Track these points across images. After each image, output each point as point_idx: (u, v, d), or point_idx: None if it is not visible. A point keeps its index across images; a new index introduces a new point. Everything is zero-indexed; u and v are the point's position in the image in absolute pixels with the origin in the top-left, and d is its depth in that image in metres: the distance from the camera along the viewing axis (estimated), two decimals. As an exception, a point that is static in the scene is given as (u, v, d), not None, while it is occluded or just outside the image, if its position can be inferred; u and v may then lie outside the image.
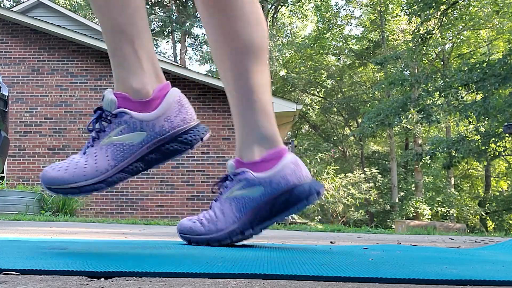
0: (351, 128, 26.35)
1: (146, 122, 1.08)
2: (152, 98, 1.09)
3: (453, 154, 14.46)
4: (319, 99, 27.68)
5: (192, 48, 30.38)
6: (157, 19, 28.89)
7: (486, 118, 13.67)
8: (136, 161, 1.09)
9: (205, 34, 1.28)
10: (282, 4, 26.11)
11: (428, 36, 15.07)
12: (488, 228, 22.06)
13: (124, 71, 1.11)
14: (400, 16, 22.18)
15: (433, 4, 14.13)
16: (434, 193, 22.35)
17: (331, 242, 2.29)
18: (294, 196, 1.20)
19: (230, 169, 1.25)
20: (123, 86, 1.10)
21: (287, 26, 28.38)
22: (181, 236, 1.28)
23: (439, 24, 15.93)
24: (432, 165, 20.77)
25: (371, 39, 25.53)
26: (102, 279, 0.66)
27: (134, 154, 1.09)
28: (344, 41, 26.56)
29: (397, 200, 21.69)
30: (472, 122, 15.97)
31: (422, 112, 14.68)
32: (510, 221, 23.01)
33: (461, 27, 20.36)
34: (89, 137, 1.12)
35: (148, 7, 28.88)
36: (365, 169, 22.59)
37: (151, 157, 1.10)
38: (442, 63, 22.62)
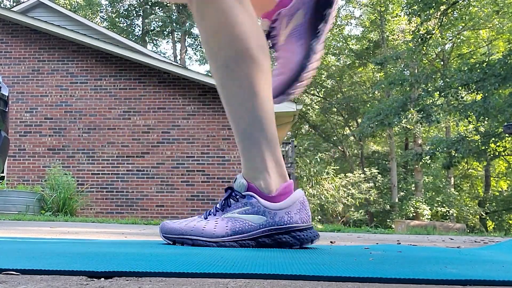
0: (351, 128, 26.36)
1: (269, 210, 1.22)
2: (276, 194, 1.23)
3: (453, 154, 14.46)
4: (319, 99, 27.68)
5: (192, 48, 30.38)
6: (157, 19, 28.89)
7: (486, 118, 13.67)
8: (249, 239, 1.22)
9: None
10: (282, 4, 26.06)
11: (428, 36, 15.08)
12: (488, 228, 22.06)
13: (252, 168, 1.24)
14: (400, 16, 22.18)
15: (433, 4, 14.13)
16: (434, 193, 22.35)
17: (331, 242, 2.29)
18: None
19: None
20: (251, 179, 1.23)
21: (287, 26, 28.33)
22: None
23: (439, 24, 15.93)
24: (432, 165, 20.77)
25: (371, 39, 25.54)
26: (102, 279, 0.66)
27: (250, 232, 1.22)
28: (344, 41, 26.57)
29: (397, 200, 21.69)
30: (472, 122, 15.97)
31: (422, 112, 14.68)
32: (510, 221, 23.02)
33: (461, 27, 20.36)
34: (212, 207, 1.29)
35: (148, 7, 28.89)
36: (365, 169, 22.59)
37: (263, 241, 1.22)
38: (442, 63, 22.62)
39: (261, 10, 1.31)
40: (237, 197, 1.23)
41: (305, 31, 1.24)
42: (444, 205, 20.87)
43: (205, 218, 1.25)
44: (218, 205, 1.26)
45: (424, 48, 16.08)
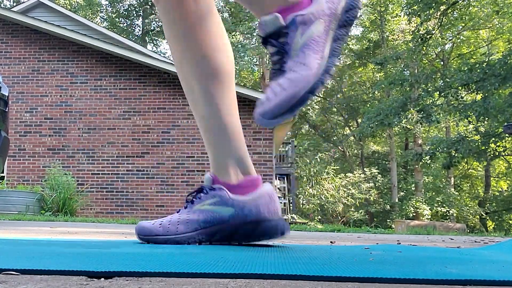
0: (351, 128, 26.36)
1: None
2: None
3: (453, 154, 14.45)
4: (319, 99, 27.68)
5: (192, 48, 30.33)
6: (157, 19, 28.89)
7: (486, 118, 13.67)
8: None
9: (171, 56, 1.35)
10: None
11: (428, 36, 15.08)
12: (488, 228, 22.06)
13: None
14: (400, 16, 22.18)
15: (433, 4, 14.13)
16: (434, 193, 22.35)
17: (331, 242, 2.29)
18: (260, 228, 1.25)
19: (207, 182, 1.31)
20: (274, 6, 1.12)
21: (287, 26, 28.35)
22: (139, 237, 1.33)
23: (439, 24, 15.92)
24: (432, 165, 20.76)
25: (371, 39, 25.54)
26: (102, 279, 0.65)
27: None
28: (344, 41, 26.54)
29: (397, 200, 21.69)
30: (472, 122, 15.97)
31: (422, 112, 14.67)
32: (510, 221, 23.01)
33: (461, 27, 20.36)
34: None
35: (148, 7, 28.89)
36: (365, 169, 22.60)
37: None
38: (442, 63, 22.62)
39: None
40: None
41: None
42: (444, 205, 20.86)
43: (178, 212, 1.32)
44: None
45: (424, 48, 16.08)
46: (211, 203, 1.27)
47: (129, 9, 29.70)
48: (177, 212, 1.32)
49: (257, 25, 1.14)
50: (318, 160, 19.77)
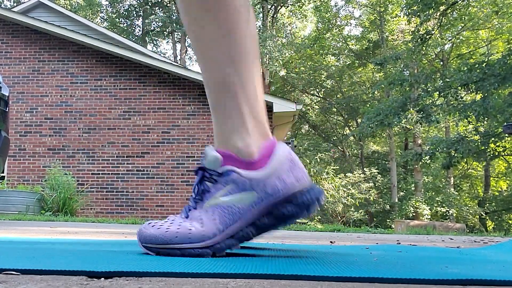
0: (351, 128, 26.35)
1: (257, 181, 0.97)
2: (258, 158, 0.98)
3: (453, 154, 14.45)
4: (319, 99, 27.68)
5: (192, 48, 30.34)
6: (157, 19, 28.89)
7: (486, 118, 13.67)
8: (247, 226, 0.98)
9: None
10: (282, 4, 26.10)
11: (427, 37, 15.08)
12: (488, 228, 22.06)
13: (227, 128, 0.99)
14: (400, 16, 22.18)
15: (433, 5, 14.12)
16: (433, 193, 22.35)
17: (331, 242, 2.29)
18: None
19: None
20: (225, 145, 0.99)
21: (287, 27, 28.37)
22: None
23: (439, 24, 15.93)
24: (432, 165, 20.77)
25: (371, 39, 25.54)
26: (102, 279, 0.66)
27: (244, 218, 0.98)
28: (343, 41, 26.56)
29: (396, 200, 21.69)
30: (471, 122, 15.97)
31: (422, 112, 14.68)
32: (510, 221, 23.02)
33: (460, 27, 20.36)
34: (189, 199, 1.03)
35: (148, 7, 28.88)
36: (364, 169, 22.59)
37: (264, 222, 0.99)
38: (441, 63, 22.62)
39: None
40: (213, 177, 0.99)
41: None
42: (443, 205, 20.86)
43: (186, 217, 1.00)
44: (194, 195, 1.01)
45: (424, 48, 16.08)
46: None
47: (129, 9, 29.69)
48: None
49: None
50: (318, 160, 19.75)
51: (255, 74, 1.00)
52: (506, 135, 11.38)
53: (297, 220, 1.03)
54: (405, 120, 16.49)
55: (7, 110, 4.13)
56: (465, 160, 16.44)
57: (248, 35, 0.99)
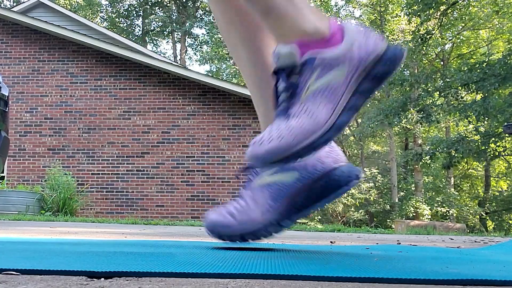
0: (351, 128, 26.35)
1: (343, 56, 0.94)
2: (332, 33, 0.95)
3: (453, 154, 14.46)
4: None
5: (192, 48, 30.38)
6: (157, 19, 28.90)
7: (486, 118, 13.68)
8: (351, 95, 0.95)
9: None
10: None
11: (428, 36, 15.08)
12: (488, 228, 22.05)
13: (288, 21, 0.95)
14: (400, 16, 22.19)
15: (433, 4, 14.13)
16: (434, 193, 22.35)
17: (331, 242, 2.29)
18: (333, 180, 1.07)
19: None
20: (293, 34, 0.95)
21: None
22: (211, 233, 1.12)
23: (439, 24, 15.93)
24: (432, 165, 20.77)
25: (371, 39, 25.52)
26: (102, 279, 0.65)
27: (346, 89, 0.95)
28: (344, 41, 26.56)
29: (397, 200, 21.69)
30: (471, 122, 15.97)
31: (422, 112, 14.69)
32: (510, 221, 23.01)
33: (461, 27, 20.37)
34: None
35: (148, 7, 28.89)
36: (365, 169, 22.59)
37: (364, 86, 0.96)
38: (442, 63, 22.62)
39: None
40: (296, 71, 0.95)
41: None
42: (444, 205, 20.86)
43: (287, 118, 0.96)
44: (284, 98, 0.97)
45: (424, 48, 16.09)
46: (270, 174, 1.08)
47: (129, 9, 29.70)
48: (240, 198, 1.11)
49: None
50: (318, 160, 19.74)
51: None
52: (507, 135, 11.38)
53: (389, 77, 0.99)
54: (406, 120, 16.50)
55: (7, 110, 4.13)
56: (465, 160, 16.45)
57: None
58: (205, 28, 29.05)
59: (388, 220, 21.16)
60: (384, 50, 0.96)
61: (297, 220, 1.09)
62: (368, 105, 23.39)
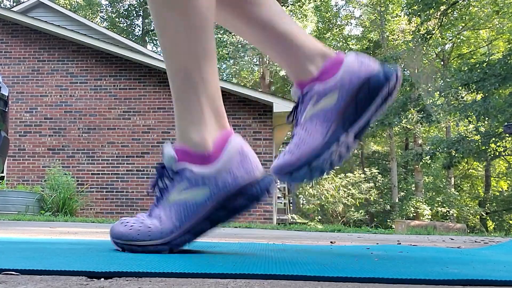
0: (351, 128, 26.33)
1: (208, 177, 1.02)
2: (214, 151, 1.03)
3: (453, 154, 14.46)
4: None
5: (192, 48, 30.33)
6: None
7: (486, 118, 13.68)
8: (201, 220, 1.02)
9: None
10: (282, 4, 26.12)
11: (428, 36, 15.08)
12: (488, 228, 22.05)
13: (185, 121, 1.04)
14: (400, 16, 22.19)
15: (433, 4, 14.13)
16: (434, 193, 22.35)
17: (331, 242, 2.29)
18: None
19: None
20: (183, 139, 1.05)
21: (287, 26, 28.34)
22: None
23: (439, 24, 15.93)
24: (432, 165, 20.77)
25: (371, 39, 25.54)
26: (102, 279, 0.65)
27: (199, 213, 1.02)
28: (344, 41, 26.57)
29: (397, 200, 21.69)
30: (472, 122, 15.97)
31: (422, 112, 14.69)
32: (510, 221, 23.01)
33: (461, 27, 20.37)
34: (153, 198, 1.09)
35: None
36: (365, 169, 22.59)
37: (218, 215, 1.02)
38: (442, 63, 22.62)
39: (294, 74, 1.16)
40: (170, 175, 1.03)
41: (334, 118, 1.09)
42: (444, 205, 20.86)
43: (149, 215, 1.05)
44: (157, 193, 1.06)
45: (424, 48, 16.09)
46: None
47: (129, 9, 29.70)
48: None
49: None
50: (318, 160, 19.71)
51: (215, 68, 1.05)
52: (507, 135, 11.38)
53: (247, 211, 1.06)
54: (406, 120, 16.50)
55: (6, 110, 4.13)
56: (465, 160, 16.45)
57: (213, 34, 1.05)
58: (205, 28, 29.01)
59: (388, 220, 21.16)
60: (250, 183, 1.05)
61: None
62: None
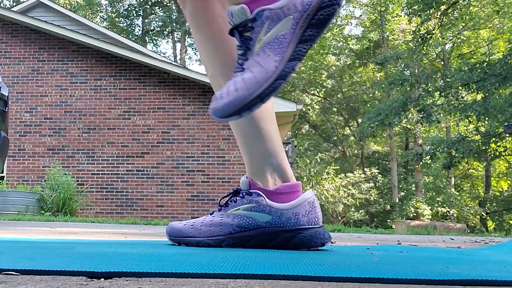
0: (351, 128, 26.35)
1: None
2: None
3: (453, 154, 14.45)
4: (319, 99, 27.68)
5: (192, 48, 30.37)
6: (157, 19, 28.89)
7: (486, 118, 13.68)
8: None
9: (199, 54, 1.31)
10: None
11: (428, 36, 15.08)
12: (489, 228, 22.05)
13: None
14: (400, 16, 22.19)
15: (433, 4, 14.12)
16: (434, 193, 22.34)
17: (332, 242, 2.29)
18: (298, 238, 1.20)
19: (243, 186, 1.26)
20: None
21: (287, 26, 28.33)
22: (170, 238, 1.30)
23: (439, 24, 15.92)
24: (432, 165, 20.76)
25: (371, 39, 25.53)
26: (102, 279, 0.65)
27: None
28: (344, 41, 26.56)
29: (397, 200, 21.69)
30: (472, 122, 15.97)
31: (422, 112, 14.68)
32: (510, 221, 23.01)
33: (461, 27, 20.35)
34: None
35: (148, 7, 28.89)
36: (365, 169, 22.60)
37: (309, 34, 1.01)
38: (442, 63, 22.61)
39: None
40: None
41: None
42: (444, 205, 20.86)
43: (211, 214, 1.27)
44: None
45: (425, 48, 16.08)
46: (246, 208, 1.23)
47: (129, 9, 29.70)
48: (210, 214, 1.29)
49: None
50: (318, 160, 19.76)
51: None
52: (507, 135, 11.38)
53: None
54: (406, 120, 16.50)
55: (6, 110, 4.13)
56: (465, 160, 16.44)
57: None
58: (205, 28, 29.00)
59: (388, 220, 21.16)
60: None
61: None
62: (368, 105, 23.39)
